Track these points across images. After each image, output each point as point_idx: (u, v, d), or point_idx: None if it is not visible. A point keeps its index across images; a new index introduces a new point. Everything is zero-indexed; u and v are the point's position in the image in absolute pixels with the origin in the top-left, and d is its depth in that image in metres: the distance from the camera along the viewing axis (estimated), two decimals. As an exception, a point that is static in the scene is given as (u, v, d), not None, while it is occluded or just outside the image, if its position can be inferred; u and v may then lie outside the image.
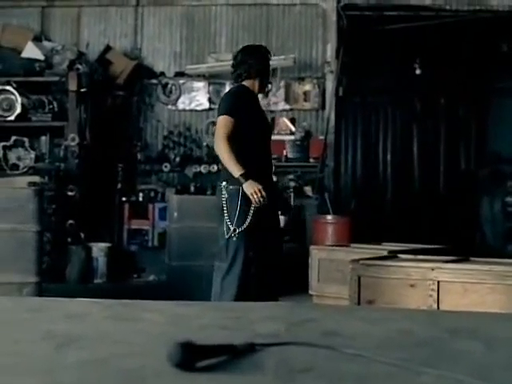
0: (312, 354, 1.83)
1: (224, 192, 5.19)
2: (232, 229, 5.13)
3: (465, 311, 3.58)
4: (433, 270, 5.08)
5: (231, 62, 5.64)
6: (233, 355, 1.77)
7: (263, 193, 5.05)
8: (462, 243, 9.21)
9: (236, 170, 5.06)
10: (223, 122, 5.19)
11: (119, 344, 1.94)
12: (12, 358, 1.77)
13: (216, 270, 5.32)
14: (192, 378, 1.58)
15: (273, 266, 5.43)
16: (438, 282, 5.03)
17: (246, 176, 5.05)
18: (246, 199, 5.11)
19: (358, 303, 5.17)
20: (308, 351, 1.86)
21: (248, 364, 1.72)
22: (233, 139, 5.13)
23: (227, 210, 5.16)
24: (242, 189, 5.09)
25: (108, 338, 2.02)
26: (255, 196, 5.03)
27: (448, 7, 10.49)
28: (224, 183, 5.21)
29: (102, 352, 1.83)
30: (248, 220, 5.14)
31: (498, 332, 2.21)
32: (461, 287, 4.97)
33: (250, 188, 5.04)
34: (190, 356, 1.65)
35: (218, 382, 1.56)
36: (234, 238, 5.14)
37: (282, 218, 5.67)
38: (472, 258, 5.87)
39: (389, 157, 12.77)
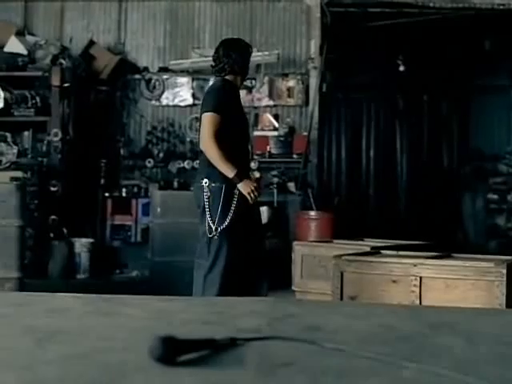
0: (293, 348, 1.84)
1: (206, 190, 5.14)
2: (214, 227, 5.11)
3: (446, 306, 3.60)
4: (415, 265, 5.10)
5: (212, 56, 5.55)
6: (214, 350, 1.77)
7: (259, 191, 5.11)
8: (445, 240, 9.27)
9: (229, 170, 5.03)
10: (210, 119, 5.10)
11: (101, 339, 1.94)
12: (-7, 352, 1.76)
13: (197, 267, 5.29)
14: (173, 373, 1.58)
15: (256, 263, 5.42)
16: (421, 277, 5.05)
17: (240, 176, 5.05)
18: (227, 197, 5.10)
19: (341, 299, 5.18)
20: (289, 346, 1.86)
21: (229, 358, 1.72)
22: (219, 137, 5.09)
23: (209, 207, 5.13)
24: (225, 187, 5.08)
25: (89, 333, 2.02)
26: (252, 195, 5.05)
27: (431, 4, 10.51)
28: (205, 180, 5.15)
29: (83, 347, 1.83)
30: (229, 217, 5.12)
31: (478, 327, 2.23)
32: (443, 283, 4.99)
33: (247, 187, 5.05)
34: (171, 350, 1.65)
35: (199, 376, 1.56)
36: (216, 237, 5.12)
37: (264, 211, 5.64)
38: (454, 255, 5.89)
39: (372, 153, 12.81)
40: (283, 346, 1.86)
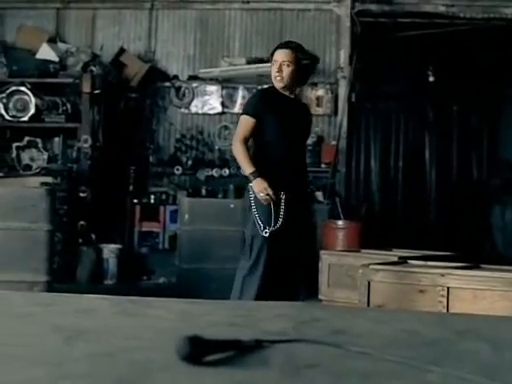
0: (318, 351, 1.84)
1: (251, 192, 5.20)
2: (260, 228, 5.15)
3: (472, 314, 3.58)
4: (443, 275, 5.07)
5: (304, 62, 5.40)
6: (239, 351, 1.78)
7: (269, 191, 5.06)
8: (473, 251, 9.20)
9: (247, 169, 5.11)
10: (241, 122, 5.27)
11: (127, 338, 1.96)
12: (21, 349, 1.79)
13: (239, 268, 5.32)
14: (198, 372, 1.60)
15: (297, 268, 5.43)
16: (448, 288, 5.01)
17: (255, 175, 5.08)
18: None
19: (367, 308, 5.16)
20: (314, 348, 1.87)
21: (254, 360, 1.73)
22: (255, 138, 5.27)
23: (256, 209, 5.17)
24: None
25: (116, 333, 2.04)
26: (262, 194, 5.05)
27: (462, 15, 10.48)
28: (251, 184, 5.23)
29: (110, 345, 1.85)
30: (274, 221, 5.14)
31: (504, 334, 2.22)
32: (470, 293, 4.95)
33: (257, 186, 5.06)
34: (197, 350, 1.67)
35: (224, 376, 1.57)
36: (259, 238, 5.15)
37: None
38: (482, 265, 5.85)
39: (400, 163, 12.75)
40: (308, 348, 1.87)
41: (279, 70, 5.27)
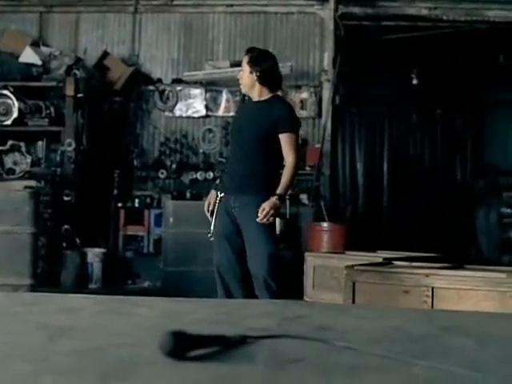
0: (303, 346, 1.84)
1: None
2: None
3: (458, 310, 3.59)
4: (427, 276, 5.08)
5: (260, 68, 5.41)
6: (224, 346, 1.78)
7: (207, 208, 5.41)
8: (458, 253, 9.22)
9: None
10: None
11: (112, 335, 1.95)
12: (6, 347, 1.77)
13: None
14: (183, 367, 1.59)
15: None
16: (433, 288, 5.02)
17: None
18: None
19: (352, 309, 5.16)
20: (299, 344, 1.86)
21: (239, 355, 1.73)
22: None
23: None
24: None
25: (101, 330, 2.03)
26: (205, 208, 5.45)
27: (445, 17, 10.52)
28: None
29: (94, 342, 1.84)
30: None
31: (490, 329, 2.22)
32: (455, 294, 4.96)
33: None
34: (181, 345, 1.66)
35: (208, 370, 1.57)
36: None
37: (276, 223, 5.60)
38: (466, 266, 5.87)
39: (385, 166, 12.79)
40: (293, 343, 1.87)
41: (240, 76, 5.53)
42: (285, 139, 5.31)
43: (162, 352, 1.65)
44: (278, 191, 5.18)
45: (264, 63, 5.42)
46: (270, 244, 5.24)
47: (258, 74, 5.36)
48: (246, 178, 5.29)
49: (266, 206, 5.08)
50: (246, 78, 5.42)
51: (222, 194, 5.34)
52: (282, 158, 5.35)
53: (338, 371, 1.59)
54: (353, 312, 2.54)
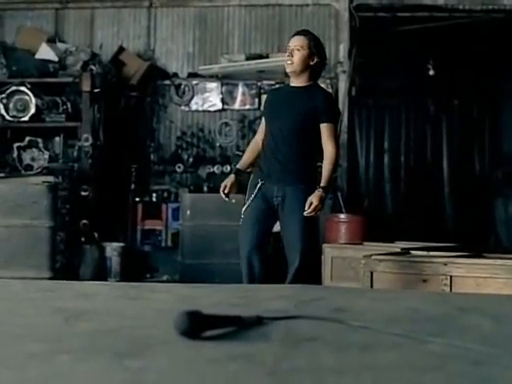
0: (319, 326, 1.84)
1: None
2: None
3: (475, 293, 3.57)
4: (445, 264, 5.05)
5: (320, 54, 5.18)
6: (240, 327, 1.78)
7: (222, 189, 5.21)
8: (477, 244, 9.18)
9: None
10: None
11: (128, 318, 1.95)
12: (22, 329, 1.78)
13: None
14: (198, 346, 1.59)
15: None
16: (451, 276, 4.98)
17: (232, 171, 5.39)
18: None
19: (370, 298, 5.14)
20: (315, 324, 1.86)
21: (255, 335, 1.73)
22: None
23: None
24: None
25: (117, 313, 2.03)
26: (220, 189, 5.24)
27: (461, 7, 10.44)
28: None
29: (110, 324, 1.85)
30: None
31: (506, 310, 2.21)
32: (473, 282, 4.93)
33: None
34: (196, 325, 1.66)
35: (223, 349, 1.56)
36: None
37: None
38: (485, 254, 5.84)
39: (402, 157, 12.73)
40: (309, 324, 1.86)
41: (290, 54, 5.11)
42: (326, 129, 5.23)
43: (177, 331, 1.65)
44: (323, 184, 5.13)
45: (323, 51, 5.34)
46: (309, 240, 5.24)
47: (317, 59, 5.25)
48: (289, 167, 5.17)
49: (314, 200, 5.03)
50: (303, 60, 5.22)
51: (262, 182, 5.24)
52: (319, 149, 5.31)
53: (353, 349, 1.59)
54: (370, 295, 2.53)
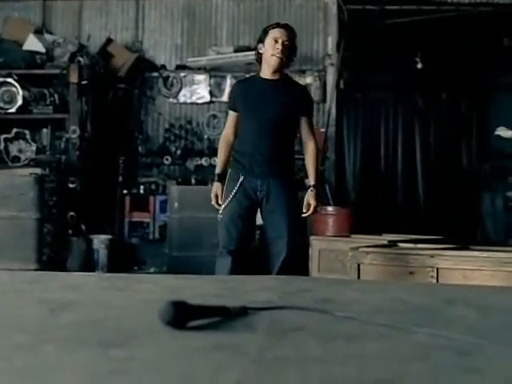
0: (304, 316, 1.84)
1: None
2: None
3: (460, 284, 3.59)
4: (432, 257, 5.07)
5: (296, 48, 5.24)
6: (225, 317, 1.78)
7: (214, 200, 5.13)
8: (464, 237, 9.21)
9: (216, 169, 5.30)
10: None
11: (113, 309, 1.95)
12: (8, 319, 1.78)
13: None
14: (183, 336, 1.59)
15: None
16: (438, 269, 5.00)
17: (216, 178, 5.23)
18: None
19: (357, 290, 5.15)
20: (301, 314, 1.86)
21: (240, 325, 1.73)
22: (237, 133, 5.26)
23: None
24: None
25: (102, 304, 2.03)
26: (213, 201, 5.15)
27: (449, 0, 10.48)
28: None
29: (96, 314, 1.84)
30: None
31: (492, 301, 2.22)
32: (460, 274, 4.95)
33: (212, 190, 5.20)
34: (181, 315, 1.66)
35: (208, 339, 1.56)
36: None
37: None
38: (472, 246, 5.86)
39: (390, 151, 12.75)
40: (295, 314, 1.87)
41: (283, 47, 5.05)
42: (307, 123, 5.22)
43: (163, 321, 1.65)
44: (313, 182, 5.15)
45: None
46: (296, 232, 5.24)
47: (295, 53, 5.26)
48: (273, 159, 5.13)
49: (311, 201, 5.06)
50: (291, 54, 5.21)
51: (244, 176, 5.17)
52: (295, 140, 5.32)
53: (338, 339, 1.59)
54: (356, 286, 2.53)
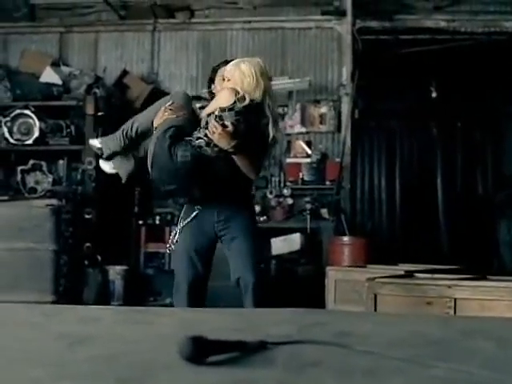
0: (322, 351, 1.83)
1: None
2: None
3: (477, 316, 3.56)
4: (449, 287, 5.04)
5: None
6: (243, 352, 1.77)
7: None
8: (480, 266, 9.16)
9: None
10: None
11: (130, 343, 1.95)
12: (24, 353, 1.78)
13: None
14: (202, 371, 1.59)
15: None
16: (455, 299, 4.97)
17: None
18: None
19: (374, 321, 5.12)
20: (319, 349, 1.86)
21: (259, 360, 1.72)
22: None
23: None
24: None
25: (119, 338, 2.03)
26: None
27: (463, 29, 10.50)
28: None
29: (113, 349, 1.84)
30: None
31: (509, 333, 2.20)
32: (478, 304, 4.92)
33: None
34: (200, 350, 1.66)
35: (227, 374, 1.56)
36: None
37: (297, 238, 5.53)
38: (489, 277, 5.82)
39: (405, 179, 12.74)
40: (312, 348, 1.86)
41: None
42: None
43: (181, 357, 1.65)
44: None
45: None
46: (259, 254, 5.16)
47: None
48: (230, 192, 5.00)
49: None
50: None
51: (197, 212, 5.14)
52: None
53: (357, 374, 1.59)
54: (373, 318, 2.52)
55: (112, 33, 11.16)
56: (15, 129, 9.84)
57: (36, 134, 9.80)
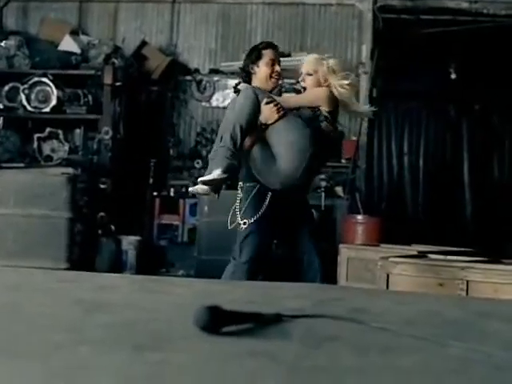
0: (339, 326, 1.83)
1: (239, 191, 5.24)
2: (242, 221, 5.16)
3: (493, 298, 3.56)
4: (462, 269, 5.03)
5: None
6: (259, 323, 1.77)
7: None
8: (495, 250, 9.13)
9: None
10: None
11: (147, 311, 1.96)
12: (43, 318, 1.79)
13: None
14: (217, 341, 1.59)
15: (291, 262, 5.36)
16: (468, 281, 4.96)
17: None
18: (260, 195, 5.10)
19: (386, 300, 5.12)
20: (335, 324, 1.86)
21: (274, 332, 1.72)
22: None
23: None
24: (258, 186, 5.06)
25: (136, 306, 2.04)
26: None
27: (485, 11, 10.41)
28: (240, 183, 5.24)
29: (129, 317, 1.85)
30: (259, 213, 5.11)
31: (526, 316, 2.20)
32: (491, 287, 4.90)
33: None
34: (216, 320, 1.66)
35: (242, 345, 1.56)
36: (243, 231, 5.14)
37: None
38: (503, 260, 5.80)
39: (421, 161, 12.68)
40: (329, 323, 1.86)
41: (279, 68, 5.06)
42: None
43: (197, 326, 1.65)
44: None
45: None
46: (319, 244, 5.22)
47: None
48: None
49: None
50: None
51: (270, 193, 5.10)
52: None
53: (373, 350, 1.58)
54: (388, 296, 2.52)
55: (132, 3, 11.13)
56: (33, 96, 9.86)
57: (53, 102, 9.81)
